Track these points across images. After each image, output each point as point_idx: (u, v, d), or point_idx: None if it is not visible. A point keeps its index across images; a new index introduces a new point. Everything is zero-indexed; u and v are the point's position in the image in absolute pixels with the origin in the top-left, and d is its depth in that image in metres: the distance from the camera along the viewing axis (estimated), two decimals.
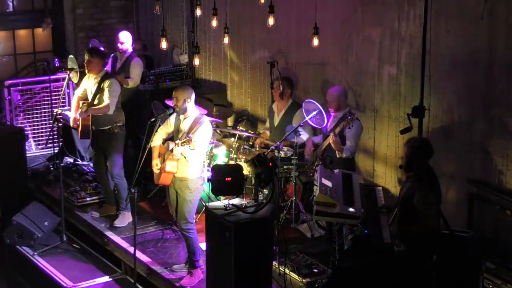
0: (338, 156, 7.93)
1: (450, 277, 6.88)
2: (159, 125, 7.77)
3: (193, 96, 7.63)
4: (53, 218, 9.36)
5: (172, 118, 7.80)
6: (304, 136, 8.77)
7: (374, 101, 8.78)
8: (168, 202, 8.21)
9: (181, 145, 7.36)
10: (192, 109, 7.65)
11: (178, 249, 8.48)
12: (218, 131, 9.50)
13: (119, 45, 10.02)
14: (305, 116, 8.37)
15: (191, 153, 7.49)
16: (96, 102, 8.77)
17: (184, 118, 7.65)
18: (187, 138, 7.37)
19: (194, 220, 7.96)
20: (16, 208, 9.47)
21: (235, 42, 10.48)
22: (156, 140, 7.76)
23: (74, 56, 10.72)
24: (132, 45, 10.14)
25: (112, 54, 10.21)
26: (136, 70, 10.01)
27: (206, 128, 7.58)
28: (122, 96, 9.09)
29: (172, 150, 7.48)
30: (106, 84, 8.72)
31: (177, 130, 7.70)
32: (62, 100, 9.23)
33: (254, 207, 7.00)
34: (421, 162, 6.59)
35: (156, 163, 7.69)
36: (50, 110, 10.82)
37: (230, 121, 10.64)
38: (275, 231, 7.57)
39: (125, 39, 10.02)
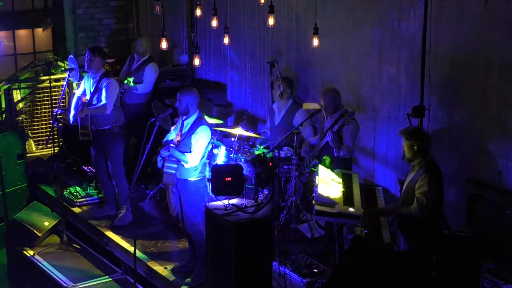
0: (336, 154, 7.93)
1: (450, 277, 6.87)
2: (159, 125, 7.77)
3: (196, 100, 7.65)
4: (53, 218, 9.37)
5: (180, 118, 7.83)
6: (304, 134, 8.79)
7: (374, 101, 8.78)
8: (168, 202, 8.20)
9: (174, 148, 7.42)
10: (194, 111, 7.66)
11: (178, 249, 8.48)
12: (218, 131, 9.50)
13: (135, 53, 10.16)
14: (306, 116, 8.38)
15: (186, 156, 7.49)
16: (94, 101, 8.79)
17: (185, 119, 7.67)
18: (176, 141, 7.42)
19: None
20: (16, 208, 9.49)
21: (235, 42, 10.48)
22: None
23: (74, 56, 10.72)
24: (149, 50, 10.17)
25: (130, 55, 10.25)
26: (150, 76, 10.00)
27: (203, 130, 7.58)
28: (129, 98, 9.08)
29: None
30: (104, 83, 8.73)
31: (180, 130, 7.72)
32: (62, 100, 9.22)
33: (254, 207, 7.00)
34: (423, 151, 6.76)
35: (160, 158, 7.68)
36: (50, 110, 10.82)
37: (230, 121, 10.64)
38: (275, 231, 7.56)
39: (139, 46, 10.10)
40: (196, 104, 7.65)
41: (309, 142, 8.47)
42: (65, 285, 8.35)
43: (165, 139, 7.78)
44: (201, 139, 7.55)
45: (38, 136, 11.38)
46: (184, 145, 7.55)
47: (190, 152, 7.50)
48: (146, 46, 10.09)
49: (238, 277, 6.76)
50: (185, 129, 7.64)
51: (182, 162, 7.50)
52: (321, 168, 7.36)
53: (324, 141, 8.00)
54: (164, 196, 9.30)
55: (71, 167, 10.59)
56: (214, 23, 8.65)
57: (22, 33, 12.06)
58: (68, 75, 9.64)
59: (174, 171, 7.54)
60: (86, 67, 8.85)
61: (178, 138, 7.65)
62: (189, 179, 7.58)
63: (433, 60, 7.69)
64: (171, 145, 7.53)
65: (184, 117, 7.67)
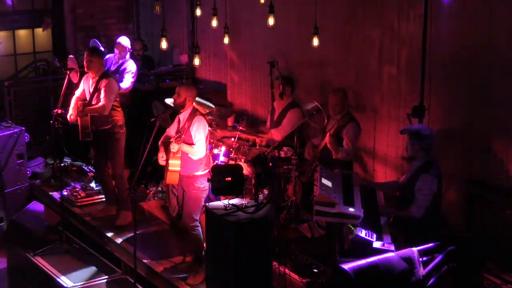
0: (334, 157, 7.93)
1: (450, 277, 6.87)
2: (159, 125, 7.78)
3: (194, 95, 7.76)
4: (52, 218, 9.36)
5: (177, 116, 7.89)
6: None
7: (374, 101, 8.78)
8: (168, 202, 8.20)
9: (175, 142, 7.44)
10: (189, 106, 7.70)
11: (178, 249, 8.48)
12: (218, 131, 9.50)
13: (116, 51, 10.25)
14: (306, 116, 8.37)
15: (193, 147, 7.53)
16: (94, 101, 8.79)
17: (181, 113, 7.75)
18: (178, 135, 7.44)
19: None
20: (16, 208, 9.48)
21: (235, 42, 10.48)
22: (164, 138, 7.83)
23: (74, 56, 10.72)
24: (129, 50, 10.28)
25: (107, 55, 10.27)
26: (129, 75, 10.07)
27: (199, 120, 7.66)
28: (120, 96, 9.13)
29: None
30: (103, 84, 8.74)
31: (177, 125, 7.78)
32: (61, 100, 9.22)
33: (254, 207, 7.00)
34: (427, 151, 6.82)
35: (161, 155, 7.73)
36: (50, 110, 10.81)
37: (230, 121, 10.63)
38: (275, 231, 7.56)
39: (122, 49, 10.26)
40: (193, 99, 7.75)
41: (312, 142, 8.48)
42: (65, 285, 8.34)
43: (160, 141, 7.80)
44: (199, 128, 7.61)
45: (38, 136, 11.36)
46: (185, 139, 7.60)
47: (194, 144, 7.54)
48: (127, 50, 10.28)
49: (238, 277, 6.76)
50: (181, 123, 7.70)
51: (190, 155, 7.53)
52: (321, 168, 7.36)
53: (325, 141, 8.01)
54: (164, 196, 9.30)
55: (71, 167, 10.59)
56: (214, 23, 8.65)
57: (22, 33, 12.05)
58: (68, 75, 9.64)
59: (178, 168, 7.55)
60: (86, 68, 8.88)
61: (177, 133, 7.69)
62: (195, 173, 7.61)
63: (433, 60, 7.70)
64: (171, 140, 7.55)
65: (181, 113, 7.72)
